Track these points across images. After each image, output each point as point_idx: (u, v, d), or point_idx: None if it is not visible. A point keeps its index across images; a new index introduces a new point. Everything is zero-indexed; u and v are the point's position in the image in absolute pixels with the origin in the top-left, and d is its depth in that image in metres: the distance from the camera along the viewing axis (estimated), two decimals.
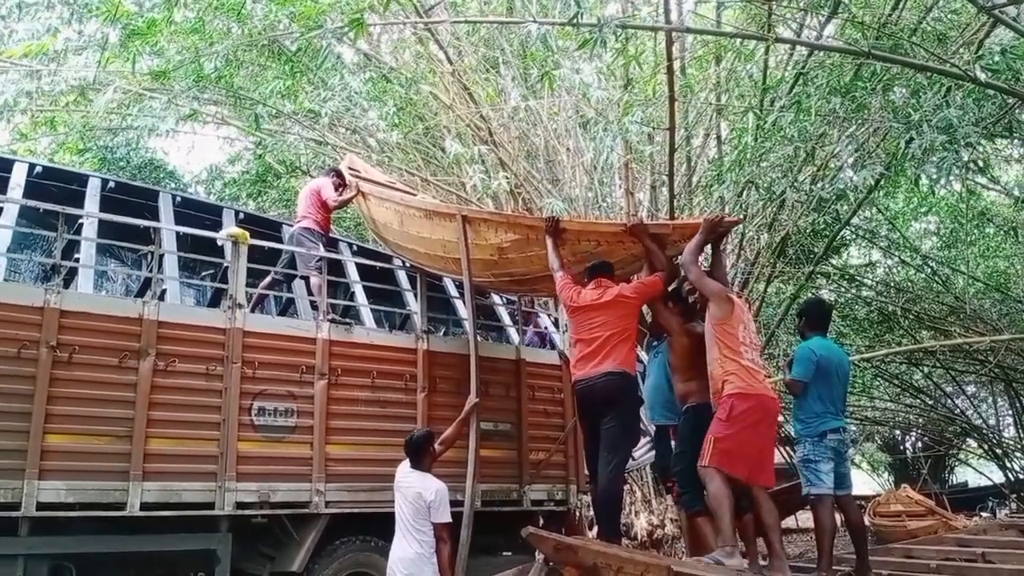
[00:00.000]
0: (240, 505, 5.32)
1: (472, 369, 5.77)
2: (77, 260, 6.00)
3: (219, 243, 6.54)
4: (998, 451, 17.95)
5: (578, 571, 3.99)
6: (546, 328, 8.47)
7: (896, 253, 14.03)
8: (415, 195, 8.16)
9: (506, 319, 8.21)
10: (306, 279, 6.90)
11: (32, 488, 4.67)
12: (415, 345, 6.47)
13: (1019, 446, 17.65)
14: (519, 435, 6.79)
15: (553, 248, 5.15)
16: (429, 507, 5.03)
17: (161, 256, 6.39)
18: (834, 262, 13.91)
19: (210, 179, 15.53)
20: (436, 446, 5.38)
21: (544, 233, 5.23)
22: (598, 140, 9.63)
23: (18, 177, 6.56)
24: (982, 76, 5.62)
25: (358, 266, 7.67)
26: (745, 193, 9.10)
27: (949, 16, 7.91)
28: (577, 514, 7.21)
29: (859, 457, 22.52)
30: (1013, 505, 15.49)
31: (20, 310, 4.90)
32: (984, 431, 18.47)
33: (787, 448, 14.63)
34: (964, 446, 20.24)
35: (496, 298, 8.15)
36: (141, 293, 6.59)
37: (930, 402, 17.64)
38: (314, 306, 6.73)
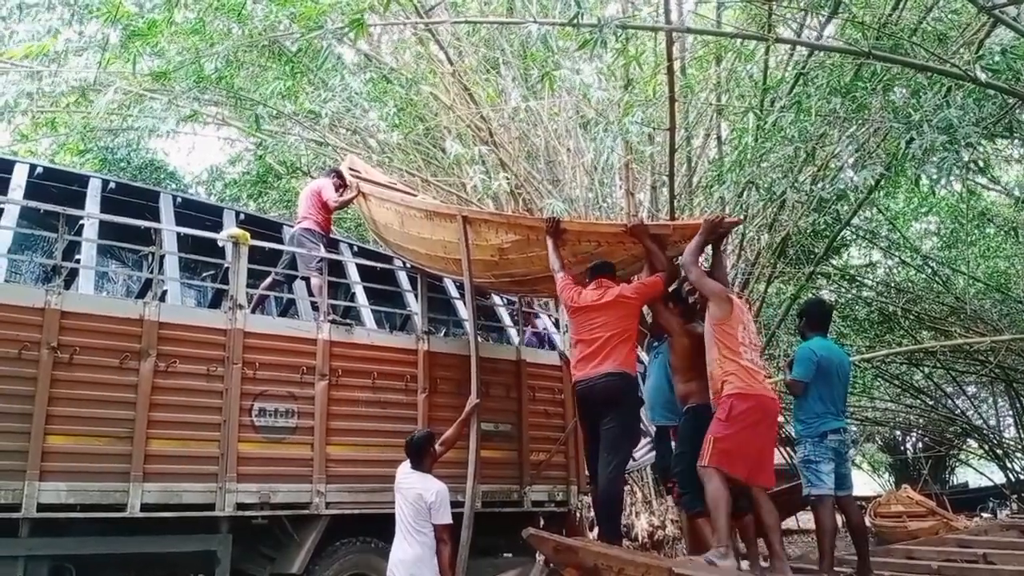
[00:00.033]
0: (240, 506, 5.32)
1: (473, 370, 5.77)
2: (78, 261, 6.00)
3: (220, 244, 6.54)
4: (999, 452, 17.94)
5: (579, 572, 4.00)
6: (545, 329, 8.47)
7: (896, 253, 14.03)
8: (415, 196, 8.16)
9: (506, 320, 8.21)
10: (307, 280, 6.90)
11: (33, 489, 4.67)
12: (416, 346, 6.46)
13: (1020, 446, 17.64)
14: (520, 436, 6.79)
15: (554, 249, 5.15)
16: (430, 508, 5.02)
17: (162, 257, 6.39)
18: (834, 262, 13.91)
19: (211, 180, 15.54)
20: (437, 447, 5.38)
21: (544, 234, 5.22)
22: (598, 141, 9.65)
23: (19, 178, 6.55)
24: (982, 76, 5.62)
25: (359, 267, 7.67)
26: (745, 193, 9.10)
27: (949, 16, 7.91)
28: (578, 515, 7.20)
29: (860, 458, 22.52)
30: (1014, 506, 15.49)
31: (21, 311, 4.89)
32: (984, 431, 18.47)
33: (788, 449, 14.63)
34: (965, 447, 20.23)
35: (496, 299, 8.15)
36: (142, 294, 6.60)
37: (931, 403, 17.63)
38: (315, 307, 6.72)
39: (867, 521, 9.93)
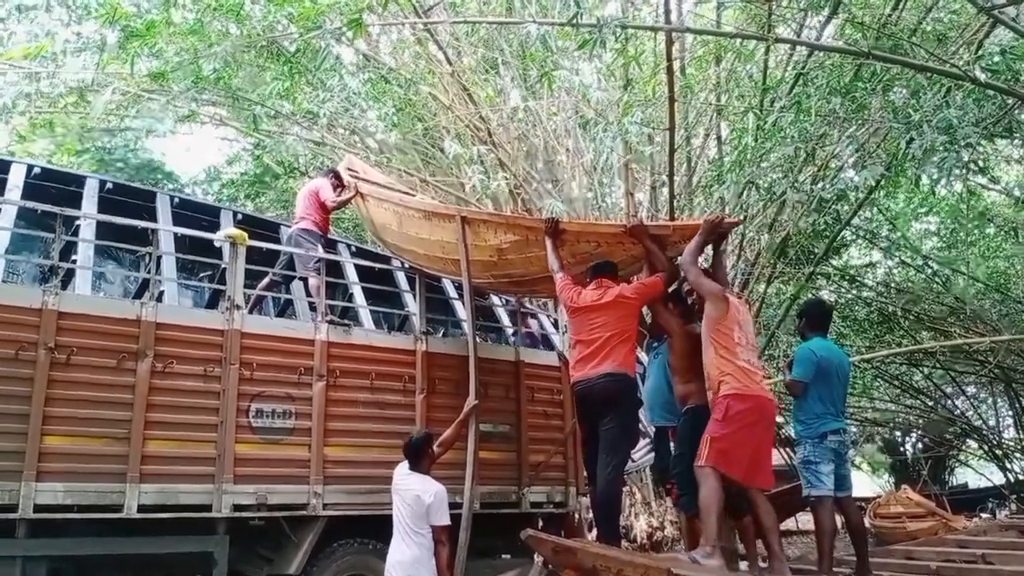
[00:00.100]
0: (237, 507, 5.30)
1: (471, 370, 5.76)
2: (75, 261, 5.98)
3: (217, 244, 6.52)
4: (998, 452, 17.93)
5: (577, 573, 3.98)
6: (540, 329, 8.44)
7: (896, 254, 14.02)
8: (414, 196, 8.15)
9: (505, 320, 8.19)
10: (304, 280, 6.88)
11: (30, 490, 4.66)
12: (414, 346, 6.45)
13: (1019, 447, 17.64)
14: (518, 437, 6.78)
15: (553, 249, 5.13)
16: (428, 509, 5.01)
17: (159, 257, 6.37)
18: (834, 263, 13.90)
19: (208, 180, 15.55)
20: (435, 448, 5.36)
21: (543, 234, 5.21)
22: (598, 141, 9.64)
23: (16, 178, 6.53)
24: (982, 76, 5.61)
25: (357, 267, 7.65)
26: (745, 194, 9.08)
27: (949, 16, 7.91)
28: (576, 516, 7.19)
29: (859, 458, 22.49)
30: (1013, 506, 15.47)
31: (18, 311, 4.88)
32: (984, 432, 18.46)
33: (787, 449, 14.62)
34: (964, 447, 20.21)
35: (495, 299, 8.13)
36: (139, 294, 6.57)
37: (930, 403, 17.62)
38: (312, 307, 6.70)
39: (866, 522, 9.92)
